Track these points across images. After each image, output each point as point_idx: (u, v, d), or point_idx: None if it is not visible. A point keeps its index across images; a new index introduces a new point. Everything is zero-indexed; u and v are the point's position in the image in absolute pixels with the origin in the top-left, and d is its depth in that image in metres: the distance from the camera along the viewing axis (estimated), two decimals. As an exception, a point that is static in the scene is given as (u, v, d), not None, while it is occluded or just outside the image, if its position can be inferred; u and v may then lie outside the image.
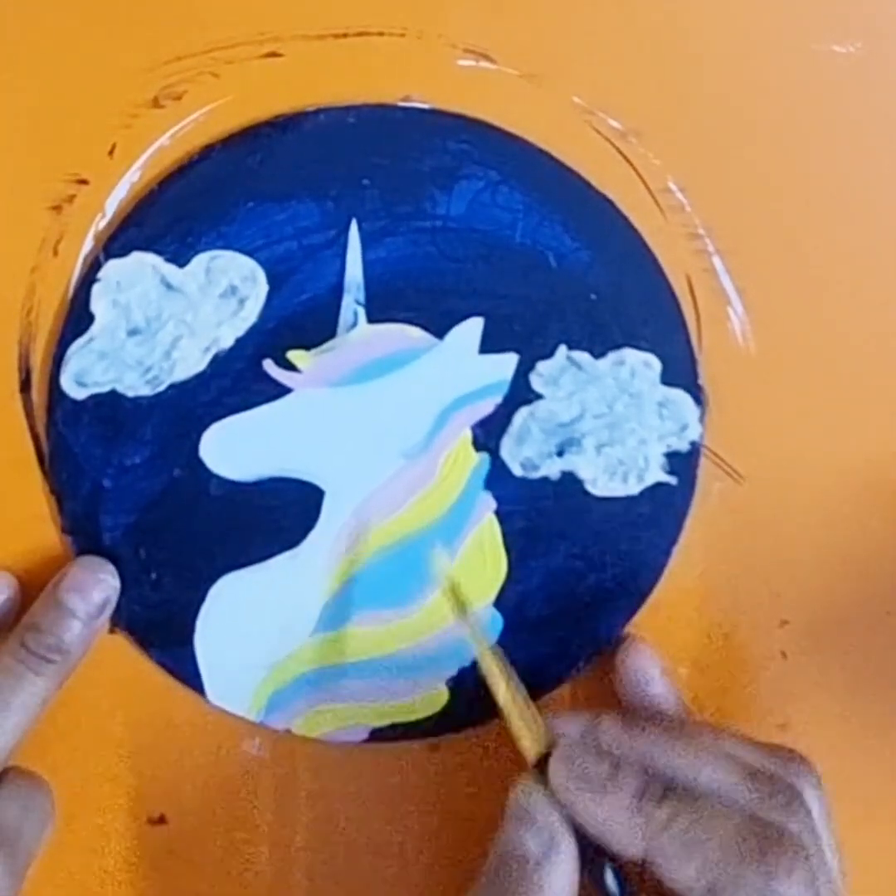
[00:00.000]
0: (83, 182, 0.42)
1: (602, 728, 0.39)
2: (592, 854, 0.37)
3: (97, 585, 0.42)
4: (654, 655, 0.43)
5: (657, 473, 0.43)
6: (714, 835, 0.36)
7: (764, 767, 0.38)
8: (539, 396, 0.43)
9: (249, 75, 0.42)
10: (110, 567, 0.42)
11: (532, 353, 0.43)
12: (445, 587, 0.41)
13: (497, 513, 0.43)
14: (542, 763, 0.38)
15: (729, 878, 0.35)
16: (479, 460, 0.43)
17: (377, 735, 0.44)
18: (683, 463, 0.43)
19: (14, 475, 0.43)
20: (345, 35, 0.42)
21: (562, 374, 0.43)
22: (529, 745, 0.39)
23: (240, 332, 0.42)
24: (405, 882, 0.45)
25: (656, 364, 0.43)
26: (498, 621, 0.44)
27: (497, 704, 0.39)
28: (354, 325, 0.42)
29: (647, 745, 0.38)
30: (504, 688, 0.39)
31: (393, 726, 0.44)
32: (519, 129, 0.42)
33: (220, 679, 0.44)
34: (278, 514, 0.43)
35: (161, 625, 0.43)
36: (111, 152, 0.42)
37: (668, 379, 0.43)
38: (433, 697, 0.44)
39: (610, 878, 0.37)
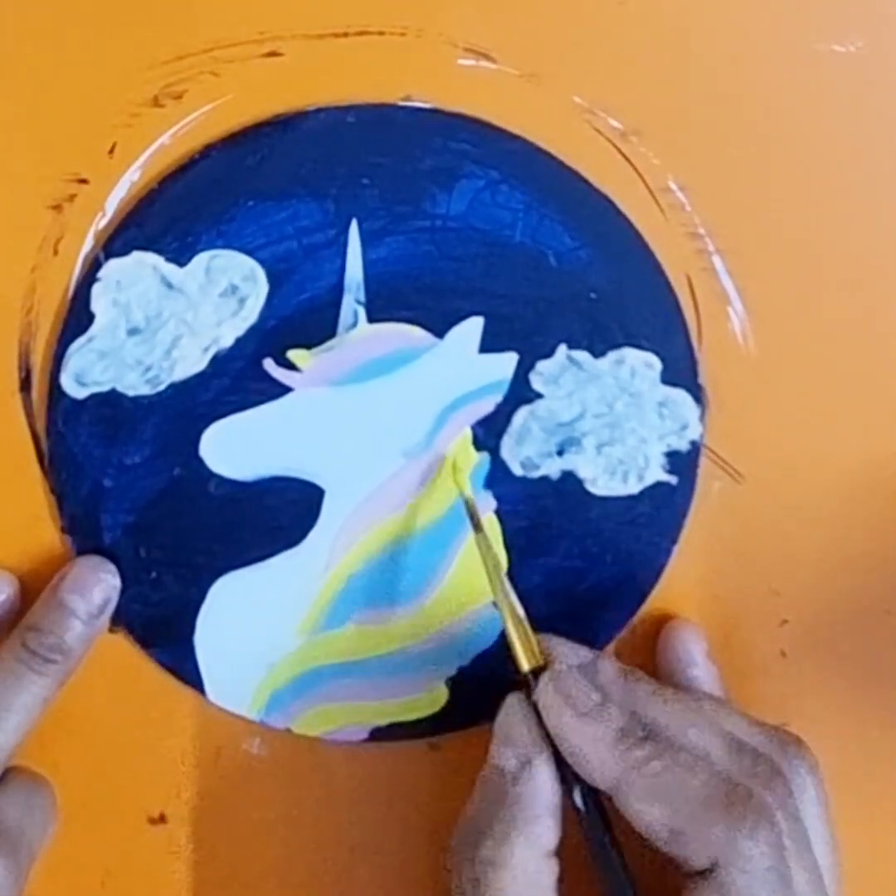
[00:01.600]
0: (83, 181, 0.42)
1: (601, 666, 0.39)
2: (569, 774, 0.38)
3: (98, 585, 0.42)
4: (699, 636, 0.43)
5: (657, 473, 0.43)
6: (684, 784, 0.36)
7: (755, 744, 0.38)
8: (539, 396, 0.43)
9: (250, 74, 0.42)
10: (111, 566, 0.42)
11: (532, 352, 0.43)
12: (465, 502, 0.42)
13: (497, 512, 0.43)
14: (531, 681, 0.39)
15: (692, 827, 0.36)
16: (480, 459, 0.43)
17: (377, 734, 0.44)
18: (683, 462, 0.43)
19: (14, 475, 0.43)
20: (345, 34, 0.42)
21: (562, 373, 0.43)
22: (523, 657, 0.39)
23: (240, 332, 0.42)
24: (405, 882, 0.45)
25: (656, 363, 0.43)
26: (498, 620, 0.43)
27: (501, 617, 0.40)
28: (355, 324, 0.42)
29: (640, 694, 0.39)
30: (507, 602, 0.40)
31: (393, 725, 0.44)
32: (519, 129, 0.42)
33: (220, 678, 0.44)
34: (278, 514, 0.43)
35: (161, 624, 0.43)
36: (111, 151, 0.42)
37: (668, 378, 0.43)
38: (433, 696, 0.44)
39: (578, 797, 0.38)
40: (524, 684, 0.39)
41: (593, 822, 0.38)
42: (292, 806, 0.45)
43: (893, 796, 0.46)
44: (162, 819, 0.45)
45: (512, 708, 0.39)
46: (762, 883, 0.35)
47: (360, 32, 0.42)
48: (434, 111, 0.42)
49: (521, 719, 0.38)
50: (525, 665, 0.39)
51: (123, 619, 0.43)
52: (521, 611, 0.40)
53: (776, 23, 0.42)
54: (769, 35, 0.42)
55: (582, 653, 0.40)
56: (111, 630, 0.43)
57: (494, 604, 0.40)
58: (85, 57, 0.41)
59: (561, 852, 0.38)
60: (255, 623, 0.43)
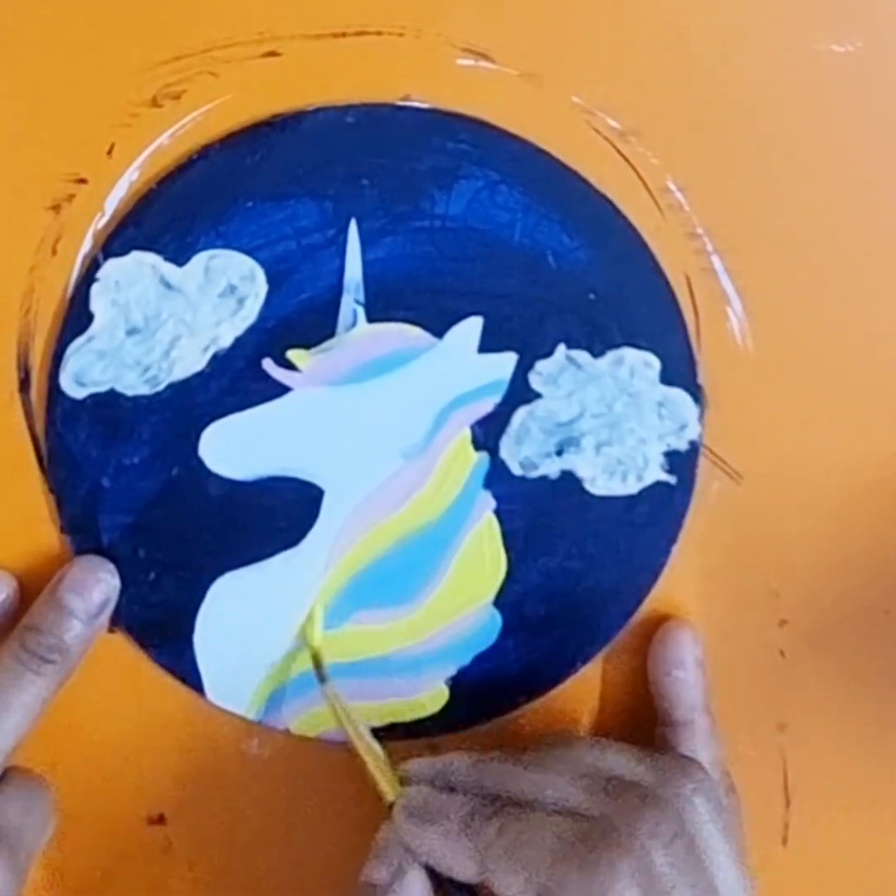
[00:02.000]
0: (82, 181, 0.42)
1: (452, 767, 0.40)
2: (446, 884, 0.39)
3: (97, 585, 0.42)
4: (694, 640, 0.43)
5: (656, 473, 0.43)
6: (540, 841, 0.36)
7: (631, 777, 0.38)
8: (538, 396, 0.43)
9: (248, 75, 0.42)
10: (110, 566, 0.42)
11: (531, 352, 0.43)
12: (310, 654, 0.43)
13: (496, 512, 0.43)
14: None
15: (554, 882, 0.35)
16: (479, 459, 0.43)
17: (377, 735, 0.44)
18: (682, 462, 0.43)
19: (13, 475, 0.43)
20: (344, 34, 0.42)
21: (561, 373, 0.43)
22: (387, 791, 0.40)
23: (239, 332, 0.42)
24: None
25: (655, 363, 0.43)
26: (497, 621, 0.44)
27: (358, 758, 0.41)
28: (354, 324, 0.42)
29: (495, 773, 0.39)
30: (363, 744, 0.41)
31: (393, 726, 0.44)
32: (518, 129, 0.42)
33: (220, 678, 0.44)
34: (277, 514, 0.43)
35: (160, 624, 0.43)
36: (110, 152, 0.42)
37: (667, 378, 0.43)
38: (433, 697, 0.44)
39: None
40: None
41: None
42: (291, 806, 0.45)
43: (893, 796, 0.46)
44: (161, 819, 0.45)
45: (384, 831, 0.40)
46: None
47: (358, 32, 0.42)
48: (433, 111, 0.42)
49: (394, 838, 0.39)
50: (389, 796, 0.40)
51: (123, 619, 0.43)
52: (378, 749, 0.41)
53: (775, 23, 0.42)
54: (768, 35, 0.42)
55: (436, 765, 0.40)
56: (110, 630, 0.43)
57: (351, 748, 0.41)
58: (84, 57, 0.41)
59: None
60: (254, 623, 0.43)
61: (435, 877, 0.39)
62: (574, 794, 0.37)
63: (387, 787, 0.40)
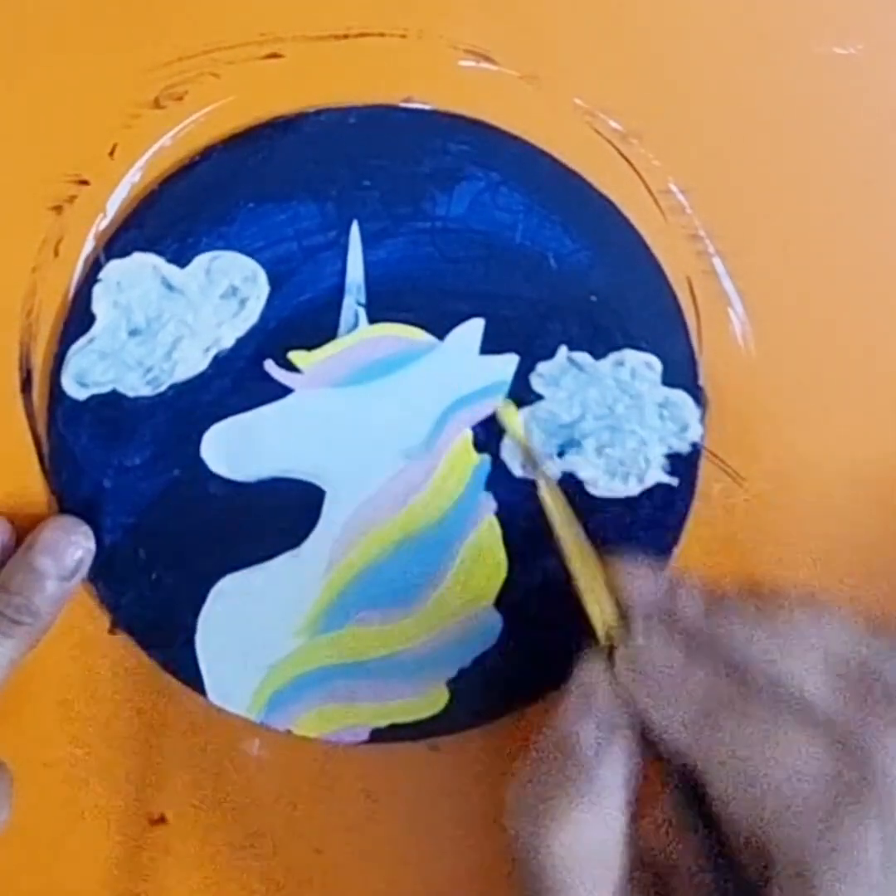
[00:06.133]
0: (84, 182, 0.42)
1: (682, 607, 0.35)
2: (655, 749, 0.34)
3: (69, 547, 0.42)
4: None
5: (657, 474, 0.43)
6: (776, 770, 0.30)
7: (860, 658, 0.32)
8: (539, 397, 0.43)
9: (250, 76, 0.42)
10: (84, 528, 0.42)
11: (532, 353, 0.43)
12: (519, 443, 0.39)
13: (497, 514, 0.43)
14: (610, 637, 0.35)
15: (777, 829, 0.30)
16: (480, 461, 0.43)
17: (377, 735, 0.44)
18: (684, 464, 0.43)
19: (14, 475, 0.43)
20: (345, 36, 0.42)
21: (562, 374, 0.43)
22: (598, 617, 0.35)
23: (240, 333, 0.42)
24: (405, 882, 0.45)
25: (657, 365, 0.43)
26: (498, 622, 0.44)
27: (568, 570, 0.36)
28: (355, 325, 0.42)
29: (728, 635, 0.34)
30: (579, 550, 0.36)
31: (393, 726, 0.44)
32: (520, 131, 0.42)
33: (221, 679, 0.44)
34: (279, 515, 0.43)
35: (162, 625, 0.43)
36: (112, 153, 0.42)
37: (668, 380, 0.43)
38: (433, 697, 0.44)
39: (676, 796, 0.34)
40: (605, 639, 0.35)
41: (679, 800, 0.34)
42: (292, 807, 0.45)
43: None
44: (162, 820, 0.45)
45: (593, 671, 0.35)
46: (871, 888, 0.29)
47: (360, 34, 0.42)
48: (435, 113, 0.42)
49: (604, 686, 0.34)
50: (601, 624, 0.35)
51: (124, 619, 0.43)
52: (596, 560, 0.35)
53: (776, 25, 0.42)
54: (769, 37, 0.42)
55: (662, 597, 0.35)
56: (111, 631, 0.43)
57: (562, 553, 0.36)
58: (85, 58, 0.41)
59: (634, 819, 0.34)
60: (255, 624, 0.43)
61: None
62: (815, 684, 0.32)
63: (600, 611, 0.35)
